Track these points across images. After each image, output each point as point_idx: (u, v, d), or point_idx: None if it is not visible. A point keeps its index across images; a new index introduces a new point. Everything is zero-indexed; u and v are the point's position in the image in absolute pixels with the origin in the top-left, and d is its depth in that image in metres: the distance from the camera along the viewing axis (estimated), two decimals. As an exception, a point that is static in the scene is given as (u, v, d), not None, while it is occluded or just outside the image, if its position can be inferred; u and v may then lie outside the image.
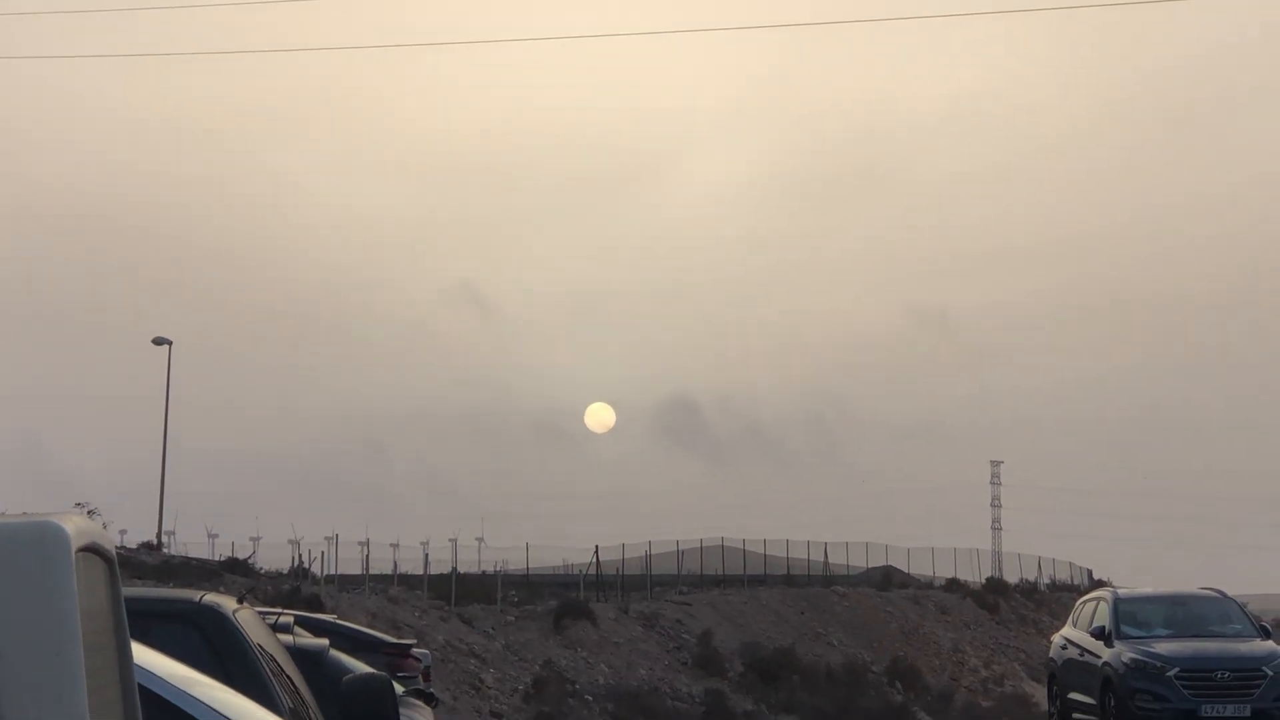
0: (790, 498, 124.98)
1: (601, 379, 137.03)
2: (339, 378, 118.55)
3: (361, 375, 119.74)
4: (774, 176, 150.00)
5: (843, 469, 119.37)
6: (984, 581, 71.62)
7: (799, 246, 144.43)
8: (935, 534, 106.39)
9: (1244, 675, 20.07)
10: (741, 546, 66.37)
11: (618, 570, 60.36)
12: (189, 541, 59.39)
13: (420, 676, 16.73)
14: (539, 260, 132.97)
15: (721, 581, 62.20)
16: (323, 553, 54.76)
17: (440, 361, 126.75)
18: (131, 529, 57.38)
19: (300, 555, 55.30)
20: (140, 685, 4.26)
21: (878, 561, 69.96)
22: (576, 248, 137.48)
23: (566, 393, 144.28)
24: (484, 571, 59.78)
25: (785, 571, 65.19)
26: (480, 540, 62.82)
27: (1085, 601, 23.73)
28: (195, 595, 8.11)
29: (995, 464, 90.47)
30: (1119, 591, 23.05)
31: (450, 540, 61.32)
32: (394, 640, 17.49)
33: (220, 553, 57.56)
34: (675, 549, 66.13)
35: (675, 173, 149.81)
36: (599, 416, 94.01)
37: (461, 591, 52.29)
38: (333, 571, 54.69)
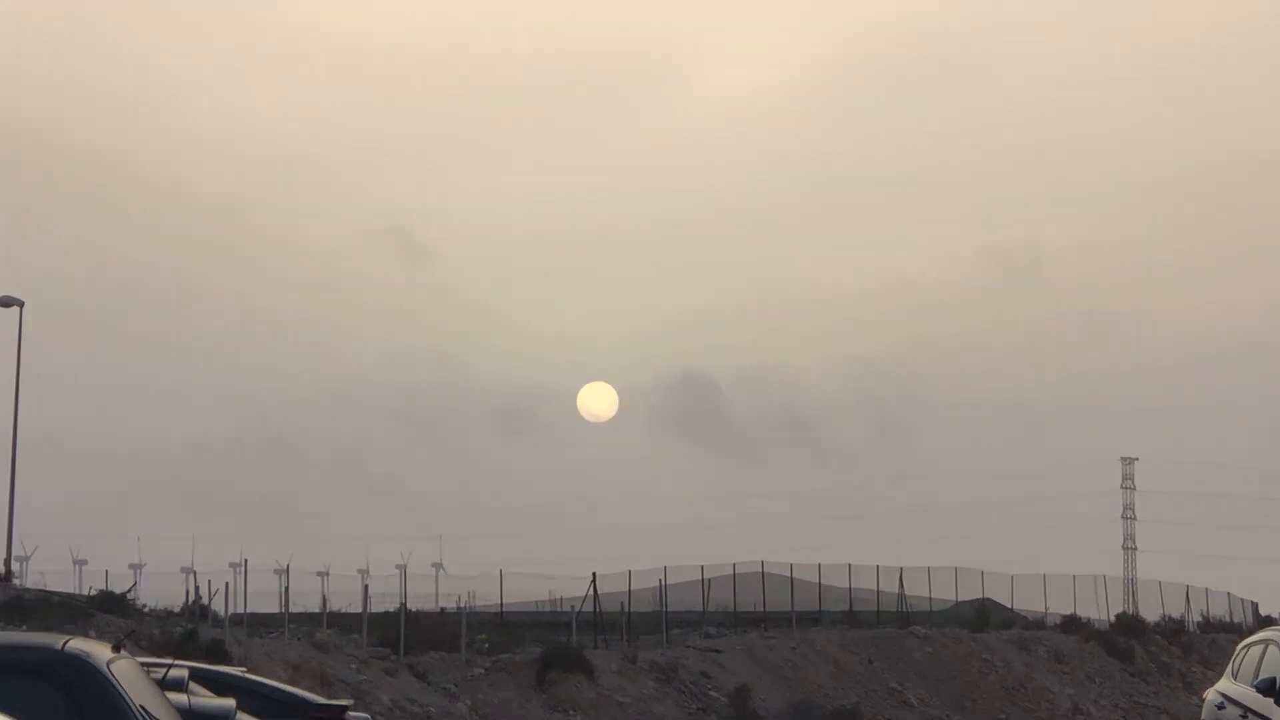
0: (851, 508, 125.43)
1: (593, 352, 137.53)
2: (238, 350, 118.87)
3: (267, 346, 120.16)
4: (811, 82, 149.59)
5: (918, 469, 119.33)
6: (1113, 619, 71.85)
7: (846, 174, 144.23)
8: (1047, 557, 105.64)
9: None
10: (788, 574, 66.75)
11: (622, 606, 60.97)
12: (49, 570, 61.71)
13: (359, 748, 16.83)
14: (500, 194, 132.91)
15: (761, 620, 62.66)
16: (226, 584, 55.37)
17: (371, 327, 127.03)
18: (-30, 554, 57.49)
19: (196, 587, 55.96)
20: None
21: (971, 593, 70.21)
22: (551, 179, 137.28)
23: (547, 371, 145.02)
24: (444, 609, 60.94)
25: (846, 607, 65.70)
26: (438, 567, 65.61)
27: (1249, 645, 23.71)
28: (57, 641, 8.11)
29: (1127, 462, 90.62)
30: (1295, 632, 23.01)
31: (397, 568, 63.64)
32: (324, 701, 17.63)
33: (90, 584, 58.74)
34: (699, 577, 66.55)
35: (681, 79, 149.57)
36: (595, 401, 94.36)
37: (414, 636, 52.16)
38: (240, 609, 55.54)
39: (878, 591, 67.54)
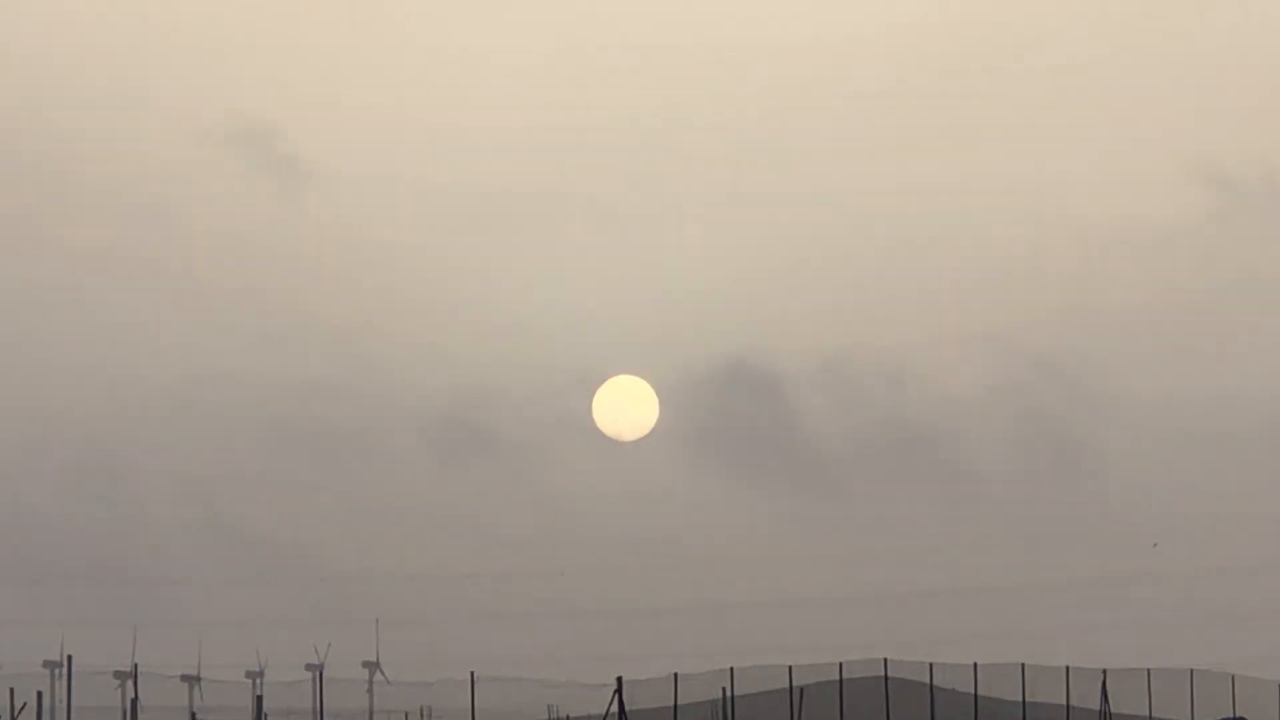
0: (1015, 572, 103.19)
1: (609, 327, 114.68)
2: (28, 330, 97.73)
3: (74, 325, 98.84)
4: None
5: (1110, 509, 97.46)
6: None
7: (980, 54, 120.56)
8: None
9: None
10: (926, 679, 56.04)
11: (660, 727, 57.33)
12: None
13: None
14: (432, 72, 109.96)
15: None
16: (39, 694, 48.66)
17: (226, 292, 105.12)
18: None
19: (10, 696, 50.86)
20: None
21: (1217, 709, 55.79)
22: (514, 46, 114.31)
23: (536, 355, 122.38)
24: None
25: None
26: (373, 669, 61.74)
27: None
28: None
29: None
30: None
31: (309, 669, 57.92)
32: None
33: None
34: (784, 684, 56.68)
35: None
36: (622, 405, 76.49)
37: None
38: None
39: (1068, 706, 54.66)
